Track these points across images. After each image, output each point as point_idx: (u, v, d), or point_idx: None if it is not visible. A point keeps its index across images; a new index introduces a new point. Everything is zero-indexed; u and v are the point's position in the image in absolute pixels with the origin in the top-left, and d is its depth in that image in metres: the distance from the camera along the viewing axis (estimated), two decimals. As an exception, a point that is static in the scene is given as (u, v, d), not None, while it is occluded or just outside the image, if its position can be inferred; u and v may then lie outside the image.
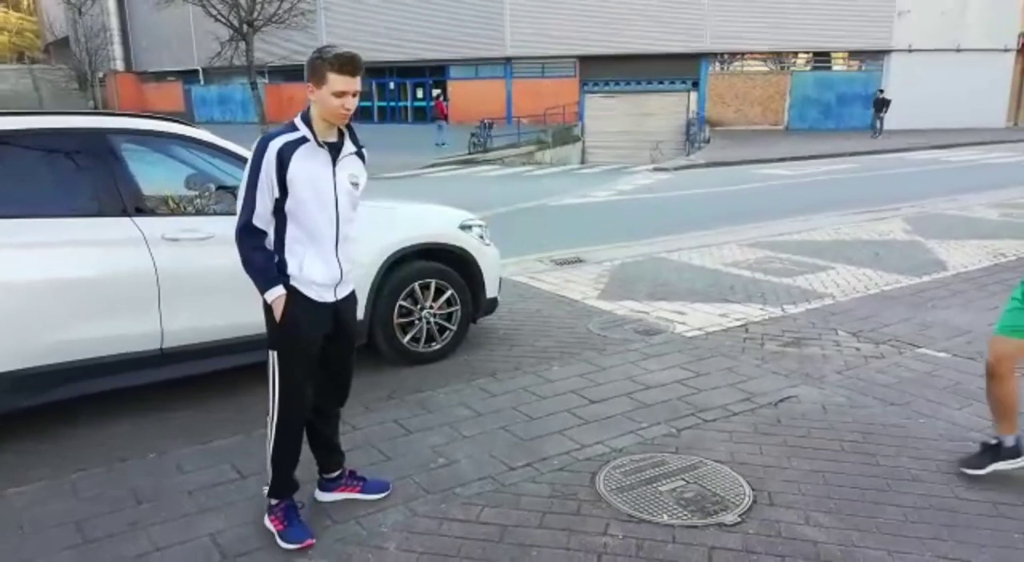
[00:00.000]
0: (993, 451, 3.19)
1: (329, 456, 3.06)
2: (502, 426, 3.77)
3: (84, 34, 36.92)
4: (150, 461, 3.45)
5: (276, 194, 2.59)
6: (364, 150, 2.82)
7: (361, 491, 3.07)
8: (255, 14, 25.48)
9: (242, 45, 25.80)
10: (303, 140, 2.60)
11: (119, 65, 44.22)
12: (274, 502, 2.82)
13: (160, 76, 43.60)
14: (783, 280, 6.87)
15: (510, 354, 4.92)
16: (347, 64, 2.53)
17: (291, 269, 2.66)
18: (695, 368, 4.59)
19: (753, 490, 3.09)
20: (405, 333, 4.70)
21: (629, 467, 3.31)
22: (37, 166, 3.73)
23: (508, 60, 33.82)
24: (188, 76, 41.76)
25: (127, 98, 42.55)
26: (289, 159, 2.56)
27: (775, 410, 3.94)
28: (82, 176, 3.77)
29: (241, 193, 2.64)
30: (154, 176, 4.11)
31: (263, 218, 2.62)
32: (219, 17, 25.38)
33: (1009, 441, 3.17)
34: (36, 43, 60.97)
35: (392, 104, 37.61)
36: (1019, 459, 3.18)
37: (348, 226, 2.76)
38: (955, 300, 6.11)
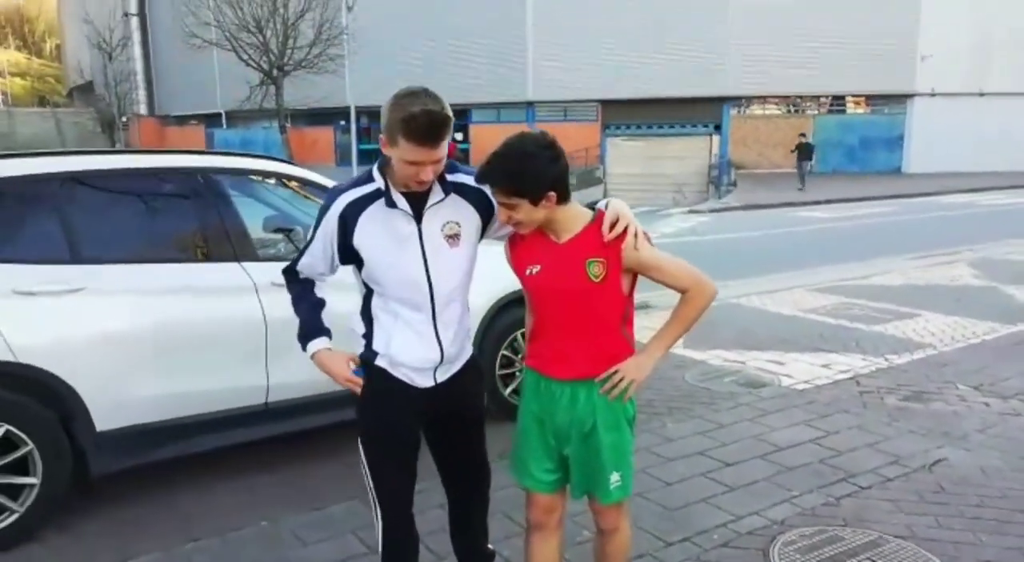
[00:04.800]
0: None
1: (470, 559, 2.54)
2: (639, 492, 3.44)
3: (114, 78, 37.51)
4: (264, 530, 3.15)
5: (336, 262, 2.17)
6: (468, 179, 2.14)
7: None
8: (286, 58, 25.78)
9: (271, 89, 26.04)
10: (377, 194, 2.07)
11: (142, 109, 44.81)
12: None
13: (183, 120, 44.10)
14: (872, 328, 6.55)
15: (613, 408, 4.59)
16: (419, 134, 1.89)
17: (376, 344, 2.17)
18: (822, 426, 4.26)
19: (956, 573, 2.75)
20: (506, 385, 4.42)
21: (801, 543, 2.98)
22: (142, 207, 3.53)
23: (530, 104, 34.00)
24: (211, 120, 42.21)
25: (149, 142, 42.93)
26: (355, 222, 2.07)
27: (931, 475, 3.61)
28: (189, 218, 3.56)
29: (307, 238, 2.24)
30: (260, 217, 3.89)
31: (312, 273, 2.25)
32: (251, 62, 25.69)
33: None
34: (58, 88, 62.07)
35: (414, 147, 37.83)
36: None
37: (453, 290, 2.16)
38: (1067, 351, 5.78)
